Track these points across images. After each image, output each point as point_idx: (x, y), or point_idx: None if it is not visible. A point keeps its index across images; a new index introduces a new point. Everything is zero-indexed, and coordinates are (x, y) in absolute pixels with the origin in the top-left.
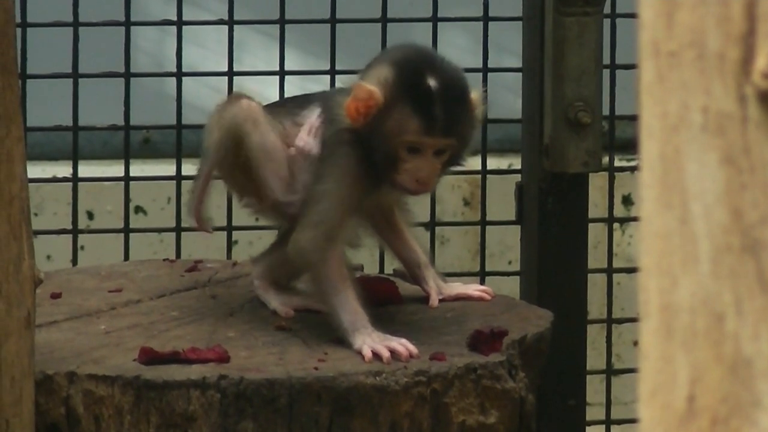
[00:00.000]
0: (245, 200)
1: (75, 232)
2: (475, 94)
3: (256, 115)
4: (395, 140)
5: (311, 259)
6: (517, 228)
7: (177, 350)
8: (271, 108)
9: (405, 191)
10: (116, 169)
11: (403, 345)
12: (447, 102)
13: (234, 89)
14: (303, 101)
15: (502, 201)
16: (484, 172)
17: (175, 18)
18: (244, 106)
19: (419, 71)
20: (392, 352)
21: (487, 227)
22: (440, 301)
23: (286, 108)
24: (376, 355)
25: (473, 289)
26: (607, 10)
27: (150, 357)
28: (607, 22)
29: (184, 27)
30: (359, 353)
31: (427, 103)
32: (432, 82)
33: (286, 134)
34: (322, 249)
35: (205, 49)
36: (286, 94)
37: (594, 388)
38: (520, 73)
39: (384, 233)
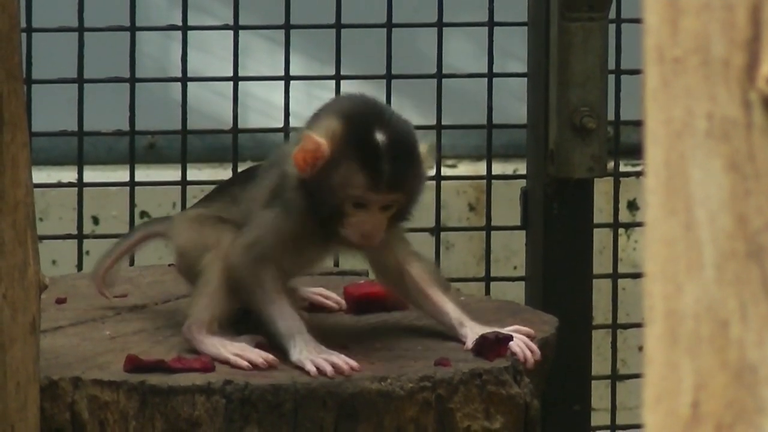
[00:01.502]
0: None
1: (80, 237)
2: (423, 148)
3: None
4: (341, 194)
5: (242, 275)
6: (522, 233)
7: (161, 359)
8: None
9: (350, 244)
10: (121, 174)
11: (341, 359)
12: (394, 158)
13: (239, 94)
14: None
15: (508, 206)
16: (489, 177)
17: (180, 23)
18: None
19: (367, 125)
20: (333, 366)
21: (492, 232)
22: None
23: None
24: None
25: (515, 333)
26: (612, 15)
27: (134, 365)
28: (612, 27)
29: (189, 32)
30: (300, 367)
31: (374, 159)
32: (380, 137)
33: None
34: (254, 266)
35: (211, 54)
36: (291, 99)
37: (599, 393)
38: (525, 79)
39: (412, 300)
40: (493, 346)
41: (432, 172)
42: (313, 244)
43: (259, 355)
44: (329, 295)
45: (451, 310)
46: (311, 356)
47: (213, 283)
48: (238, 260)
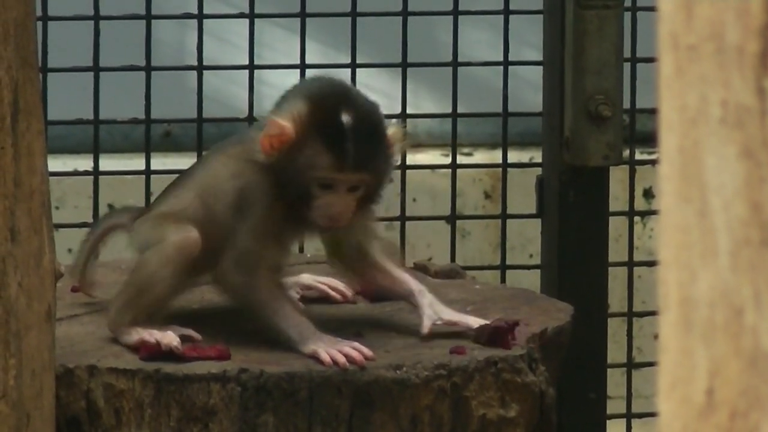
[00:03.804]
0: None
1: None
2: (392, 130)
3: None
4: (307, 176)
5: (243, 293)
6: (538, 221)
7: (176, 347)
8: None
9: (318, 227)
10: (137, 163)
11: (356, 348)
12: (360, 138)
13: (255, 83)
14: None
15: (523, 194)
16: (505, 165)
17: (196, 11)
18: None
19: (332, 106)
20: (346, 356)
21: (508, 220)
22: (437, 325)
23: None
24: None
25: (474, 321)
26: (627, 3)
27: (150, 353)
28: (627, 15)
29: (205, 20)
30: (314, 357)
31: (339, 139)
32: (345, 118)
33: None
34: (249, 280)
35: (226, 42)
36: None
37: (615, 381)
38: (541, 67)
39: (369, 276)
40: (505, 333)
41: (399, 156)
42: (287, 232)
43: (164, 337)
44: (336, 286)
45: (409, 279)
46: (326, 347)
47: (275, 307)
48: (234, 281)
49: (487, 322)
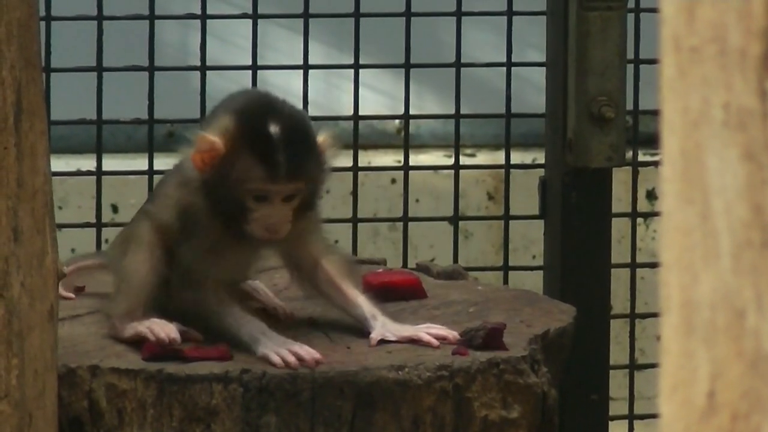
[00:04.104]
0: None
1: (99, 225)
2: (322, 137)
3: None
4: (240, 189)
5: (191, 308)
6: (541, 222)
7: (178, 347)
8: None
9: (259, 240)
10: (140, 163)
11: (305, 350)
12: (290, 147)
13: (258, 83)
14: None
15: (526, 195)
16: (508, 166)
17: (199, 12)
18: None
19: (260, 118)
20: (296, 356)
21: (511, 222)
22: (392, 341)
23: None
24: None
25: (425, 331)
26: (630, 4)
27: (152, 353)
28: (631, 16)
29: (208, 21)
30: (265, 359)
31: (269, 150)
32: (273, 129)
33: None
34: (195, 294)
35: (229, 43)
36: (310, 88)
37: (617, 383)
38: (544, 68)
39: (325, 294)
40: (500, 335)
41: (332, 161)
42: (230, 246)
43: (163, 329)
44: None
45: (363, 303)
46: (276, 348)
47: (224, 311)
48: (182, 297)
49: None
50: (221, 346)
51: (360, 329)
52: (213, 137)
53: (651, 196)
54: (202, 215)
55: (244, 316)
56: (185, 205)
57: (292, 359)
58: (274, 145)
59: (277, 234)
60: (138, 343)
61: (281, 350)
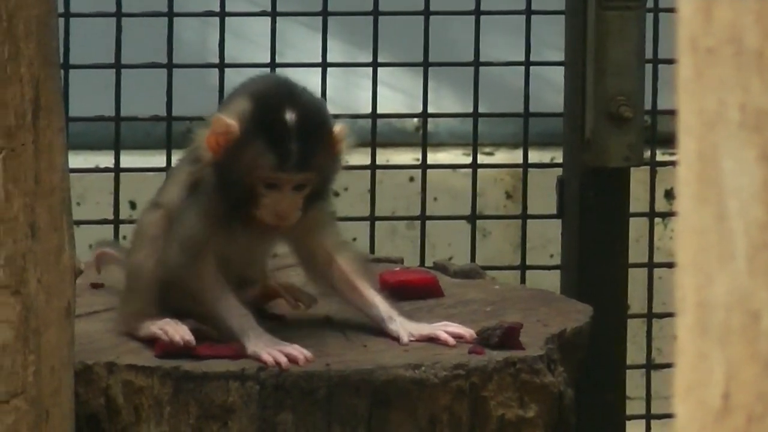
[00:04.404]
0: None
1: (117, 222)
2: (337, 128)
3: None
4: (251, 175)
5: (185, 278)
6: (559, 222)
7: (191, 345)
8: None
9: (265, 225)
10: (158, 160)
11: (297, 350)
12: (303, 136)
13: None
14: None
15: (544, 194)
16: (526, 165)
17: (218, 9)
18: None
19: (276, 105)
20: (287, 357)
21: (529, 221)
22: (411, 341)
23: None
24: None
25: (445, 329)
26: (649, 4)
27: (165, 350)
28: (649, 16)
29: (226, 18)
30: (256, 358)
31: (282, 138)
32: (288, 116)
33: None
34: (190, 265)
35: (248, 40)
36: (328, 86)
37: (634, 382)
38: (562, 67)
39: (340, 292)
40: (517, 334)
41: (346, 154)
42: (238, 229)
43: (177, 331)
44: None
45: (380, 303)
46: (267, 348)
47: (217, 296)
48: (176, 265)
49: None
50: (233, 344)
51: (376, 328)
52: (229, 120)
53: (669, 195)
54: (210, 190)
55: (237, 307)
56: (194, 180)
57: (283, 359)
58: (287, 134)
59: (285, 220)
60: (151, 340)
61: (272, 350)
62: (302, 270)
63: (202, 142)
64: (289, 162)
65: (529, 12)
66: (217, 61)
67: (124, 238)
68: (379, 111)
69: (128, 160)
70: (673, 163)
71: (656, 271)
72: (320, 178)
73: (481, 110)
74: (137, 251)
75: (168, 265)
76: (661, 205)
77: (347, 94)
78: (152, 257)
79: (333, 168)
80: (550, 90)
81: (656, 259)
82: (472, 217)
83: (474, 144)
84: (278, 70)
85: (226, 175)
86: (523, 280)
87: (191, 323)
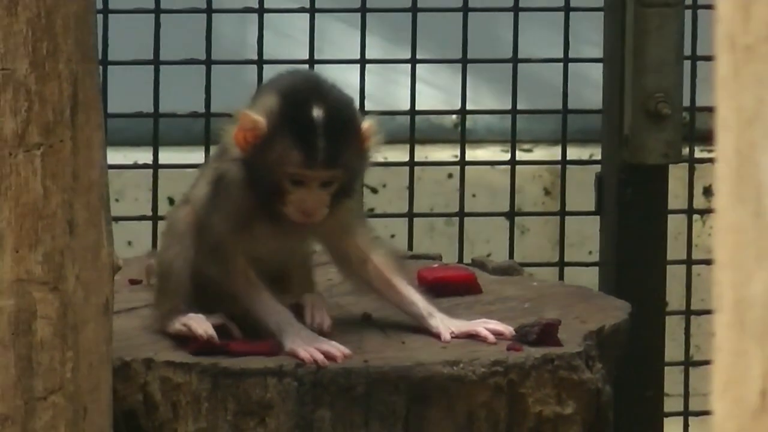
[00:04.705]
0: None
1: (155, 218)
2: (366, 124)
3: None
4: (278, 171)
5: (220, 282)
6: (597, 218)
7: (225, 342)
8: None
9: (292, 222)
10: (197, 156)
11: (335, 347)
12: (330, 134)
13: None
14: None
15: (583, 191)
16: (564, 162)
17: (256, 6)
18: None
19: (303, 101)
20: (324, 354)
21: (567, 217)
22: (452, 337)
23: None
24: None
25: (484, 326)
26: (688, 1)
27: (199, 347)
28: (688, 13)
29: (265, 15)
30: (293, 355)
31: (309, 135)
32: (316, 113)
33: None
34: (222, 269)
35: (287, 37)
36: (367, 83)
37: (673, 379)
38: (601, 64)
39: (378, 291)
40: (555, 331)
41: (376, 150)
42: (266, 228)
43: (200, 326)
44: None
45: (418, 300)
46: (305, 344)
47: (252, 294)
48: (208, 270)
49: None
50: (269, 341)
51: (415, 325)
52: (256, 116)
53: (707, 192)
54: (236, 187)
55: (274, 304)
56: (220, 173)
57: (320, 357)
58: (314, 131)
59: (311, 217)
60: (184, 338)
61: (309, 347)
62: (337, 268)
63: (230, 138)
64: (316, 159)
65: (568, 8)
66: (255, 57)
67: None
68: (418, 108)
69: (167, 156)
70: (711, 160)
71: (694, 268)
72: (348, 175)
73: (519, 107)
74: (167, 249)
75: (202, 271)
76: (699, 202)
77: (386, 91)
78: (181, 254)
79: (361, 165)
80: (589, 87)
81: (694, 256)
82: (511, 214)
83: (512, 141)
84: (317, 66)
85: (254, 172)
86: (561, 277)
87: (218, 318)
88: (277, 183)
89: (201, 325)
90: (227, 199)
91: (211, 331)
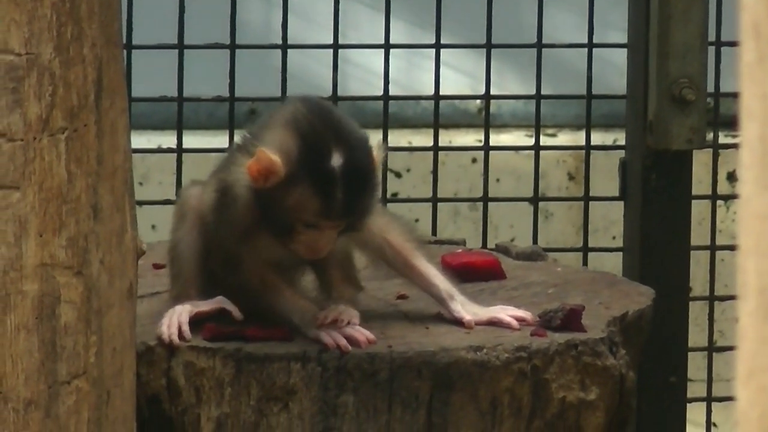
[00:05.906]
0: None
1: None
2: (375, 150)
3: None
4: (293, 216)
5: (237, 291)
6: (621, 204)
7: (240, 328)
8: None
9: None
10: (221, 140)
11: (359, 332)
12: (350, 184)
13: (339, 62)
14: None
15: (607, 176)
16: (589, 147)
17: None
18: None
19: (323, 147)
20: (349, 339)
21: (591, 203)
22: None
23: None
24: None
25: (506, 313)
26: None
27: (214, 334)
28: None
29: None
30: (317, 341)
31: (329, 186)
32: (335, 161)
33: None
34: (238, 278)
35: (311, 21)
36: (391, 67)
37: (696, 365)
38: (625, 49)
39: (397, 269)
40: (579, 317)
41: (380, 173)
42: (267, 238)
43: (174, 321)
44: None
45: (440, 282)
46: (328, 330)
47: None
48: (227, 283)
49: (524, 313)
50: (282, 327)
51: (439, 311)
52: (274, 157)
53: (731, 178)
54: (243, 205)
55: (294, 296)
56: (227, 185)
57: (343, 342)
58: (334, 181)
59: (318, 255)
60: (201, 323)
61: (333, 332)
62: (359, 253)
63: (243, 167)
64: (335, 210)
65: None
66: (280, 42)
67: None
68: (442, 92)
69: (191, 140)
70: (735, 146)
71: (718, 254)
72: (362, 217)
73: (544, 92)
74: (174, 232)
75: (221, 283)
76: (723, 187)
77: (410, 76)
78: (189, 235)
79: (372, 204)
80: (613, 72)
81: (718, 241)
82: (535, 199)
83: (537, 126)
84: (341, 51)
85: (266, 206)
86: (585, 263)
87: (214, 303)
88: (290, 224)
89: (175, 319)
90: (234, 214)
91: (185, 329)
